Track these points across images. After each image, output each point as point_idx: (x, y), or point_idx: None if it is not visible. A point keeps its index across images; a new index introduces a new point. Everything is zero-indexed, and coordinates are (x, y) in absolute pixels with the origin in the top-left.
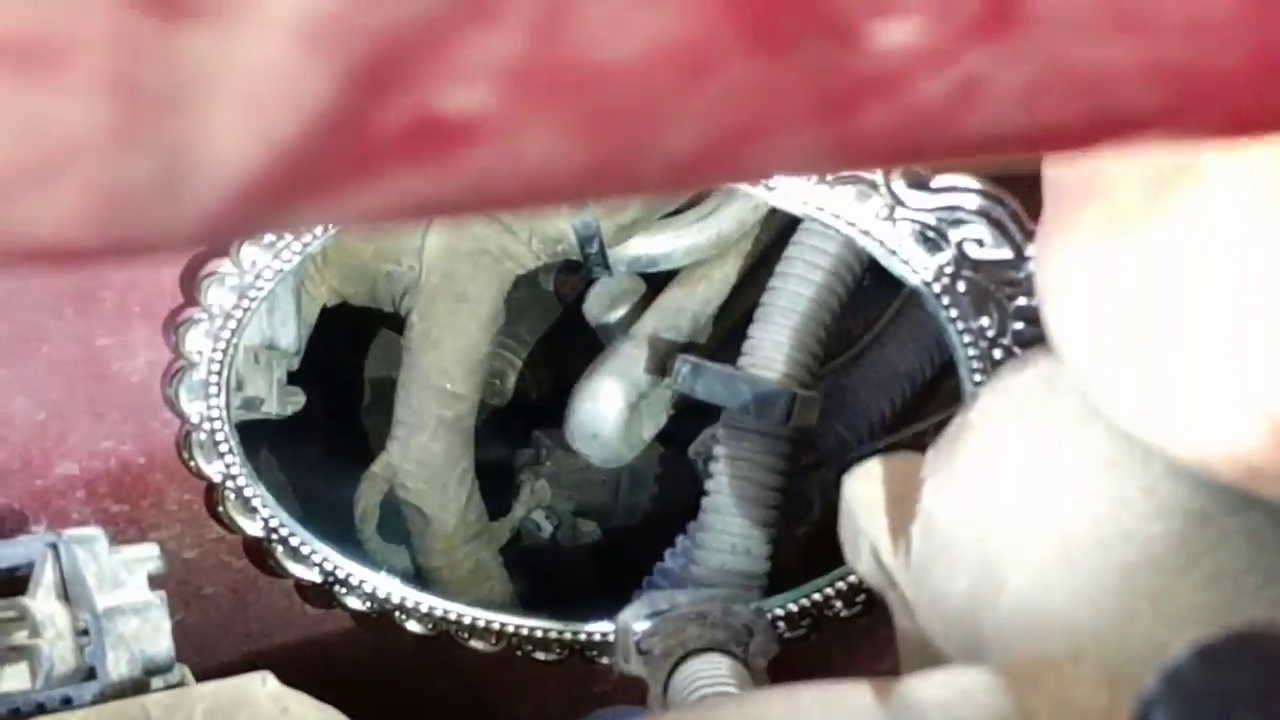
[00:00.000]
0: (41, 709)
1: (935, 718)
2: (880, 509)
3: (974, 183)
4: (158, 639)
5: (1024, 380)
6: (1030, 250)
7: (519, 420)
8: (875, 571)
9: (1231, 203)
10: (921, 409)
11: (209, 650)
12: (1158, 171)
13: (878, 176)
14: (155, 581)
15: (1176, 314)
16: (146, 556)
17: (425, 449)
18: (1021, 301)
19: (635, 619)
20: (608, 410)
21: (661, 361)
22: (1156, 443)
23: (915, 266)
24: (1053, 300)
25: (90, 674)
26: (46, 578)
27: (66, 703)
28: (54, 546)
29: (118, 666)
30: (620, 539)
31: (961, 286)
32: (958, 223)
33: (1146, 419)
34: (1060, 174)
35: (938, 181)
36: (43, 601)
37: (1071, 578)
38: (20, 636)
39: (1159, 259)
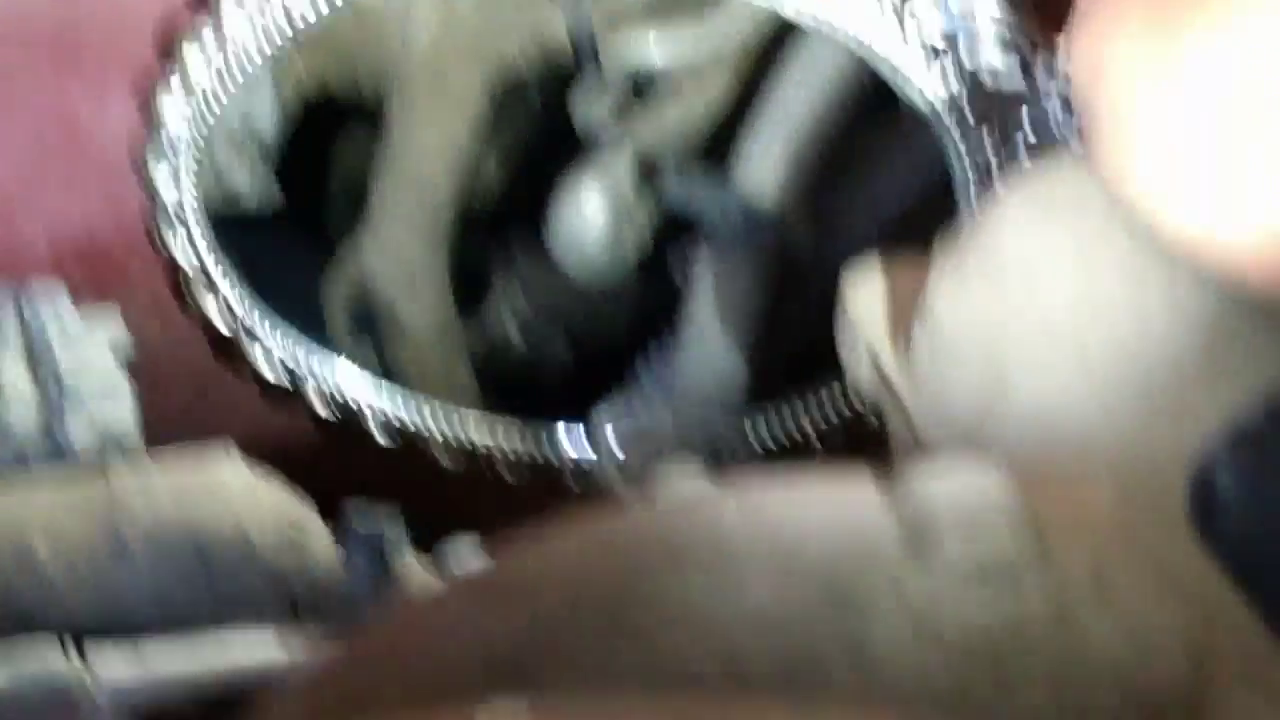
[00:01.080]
0: None
1: (943, 513)
2: (881, 311)
3: (992, 5)
4: (121, 413)
5: (1046, 183)
6: (1043, 77)
7: (495, 223)
8: (874, 379)
9: None
10: (909, 232)
11: (168, 440)
12: None
13: None
14: (121, 361)
15: (1215, 111)
16: (112, 326)
17: (399, 245)
18: (1029, 130)
19: (613, 430)
20: (590, 220)
21: (649, 174)
22: (1188, 245)
23: (923, 87)
24: (1086, 96)
25: (52, 442)
26: (10, 337)
27: (25, 468)
28: (17, 302)
29: (81, 437)
30: (593, 353)
31: (969, 111)
32: (972, 44)
33: (1181, 217)
34: None
35: (954, 2)
36: (7, 363)
37: (1086, 386)
38: None
39: (1197, 52)
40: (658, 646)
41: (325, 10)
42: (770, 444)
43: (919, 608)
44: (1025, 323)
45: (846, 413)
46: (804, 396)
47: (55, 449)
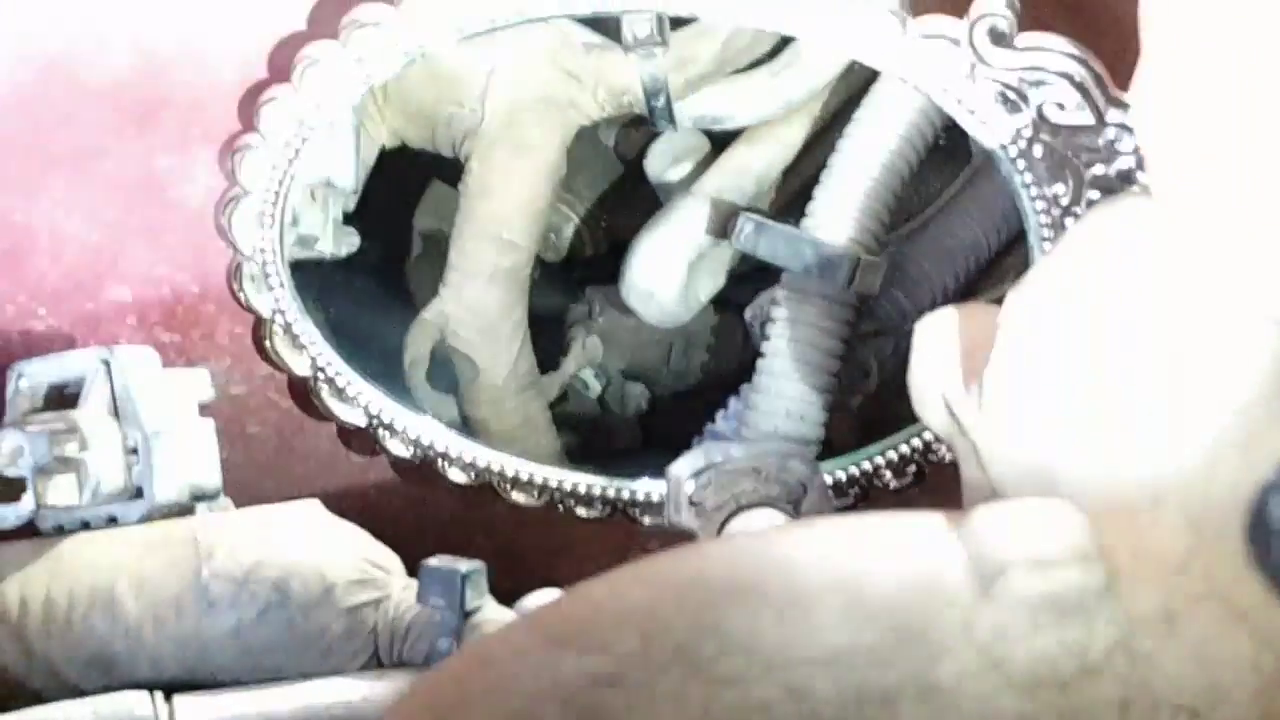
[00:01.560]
0: (86, 526)
1: (1009, 547)
2: (953, 357)
3: (1060, 43)
4: (206, 465)
5: (1113, 222)
6: (1112, 117)
7: (574, 277)
8: (944, 420)
9: None
10: (987, 282)
11: (252, 490)
12: None
13: (961, 31)
14: (204, 412)
15: None
16: (197, 381)
17: (479, 298)
18: (1099, 169)
19: (689, 470)
20: (665, 268)
21: (723, 222)
22: (1255, 280)
23: (993, 128)
24: (1151, 133)
25: (137, 494)
26: (97, 393)
27: (112, 521)
28: (106, 363)
29: (164, 489)
30: (669, 402)
31: (1038, 151)
32: (1040, 84)
33: (1247, 255)
34: (1160, 7)
35: (1022, 40)
36: (92, 416)
37: (1154, 422)
38: (69, 449)
39: (1268, 88)
40: (728, 681)
41: (399, 66)
42: (846, 487)
43: (986, 640)
44: (1092, 363)
45: (922, 456)
46: (878, 440)
47: (142, 503)
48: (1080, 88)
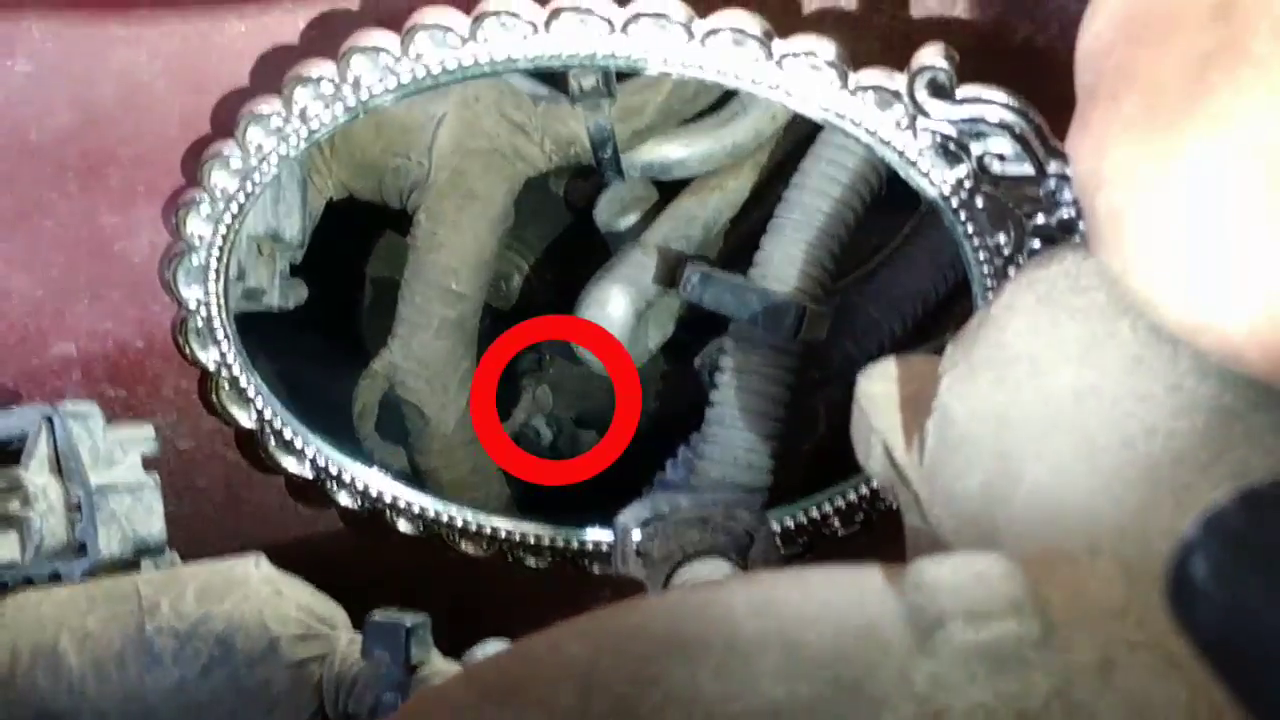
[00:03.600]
0: (30, 582)
1: (947, 599)
2: (894, 406)
3: (999, 94)
4: (150, 520)
5: (1049, 274)
6: (1053, 168)
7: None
8: (886, 469)
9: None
10: (933, 330)
11: (199, 544)
12: (1198, 54)
13: (900, 84)
14: (149, 465)
15: (1218, 200)
16: (141, 436)
17: (427, 348)
18: (1040, 219)
19: (635, 520)
20: (614, 317)
21: (670, 271)
22: (1190, 332)
23: (934, 179)
24: (1087, 188)
25: (81, 550)
26: (40, 450)
27: (55, 578)
28: (49, 419)
29: (109, 544)
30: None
31: (980, 202)
32: (980, 135)
33: (1180, 308)
34: (1094, 61)
35: (962, 92)
36: (35, 473)
37: (1091, 472)
38: (12, 507)
39: (1201, 145)
40: None
41: (343, 117)
42: (794, 535)
43: (924, 692)
44: (1032, 413)
45: (869, 504)
46: (826, 488)
47: (86, 559)
48: (1020, 139)
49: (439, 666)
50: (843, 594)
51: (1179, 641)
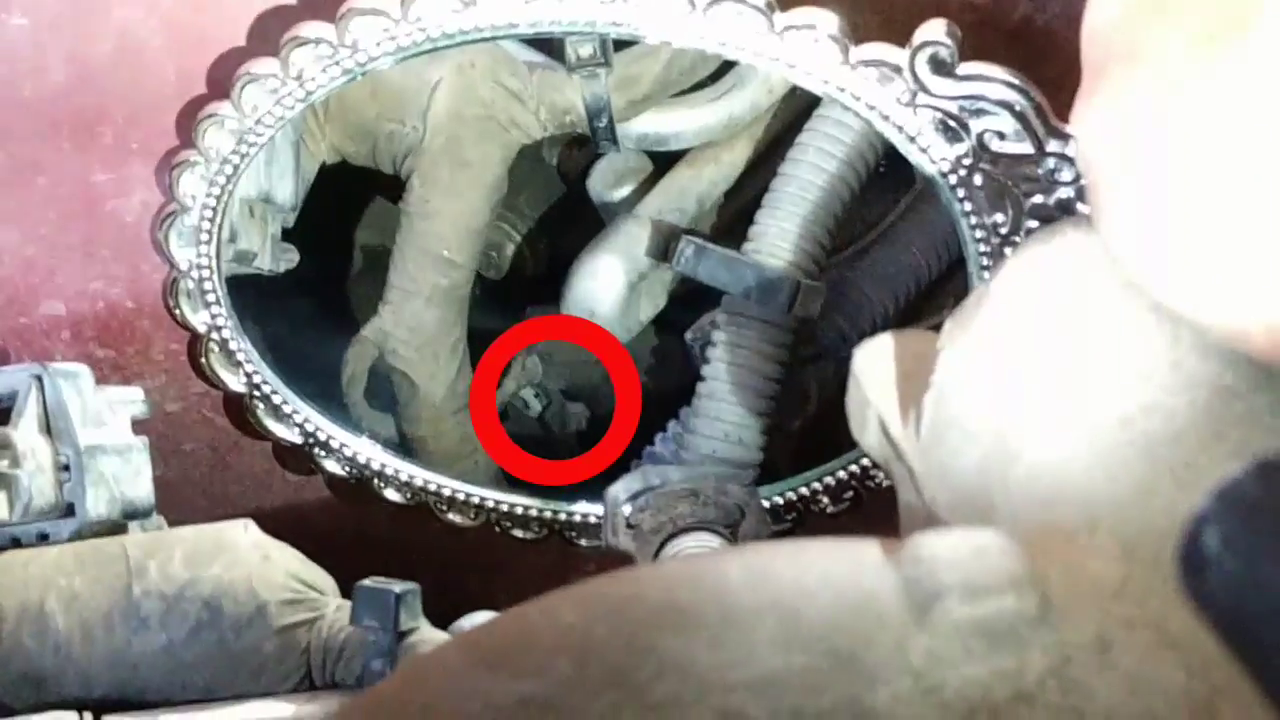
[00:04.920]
0: (17, 543)
1: (945, 573)
2: (890, 382)
3: (1001, 72)
4: (138, 482)
5: (1050, 250)
6: (1052, 147)
7: (515, 295)
8: (881, 444)
9: None
10: (927, 307)
11: (186, 509)
12: (1206, 29)
13: (902, 59)
14: (137, 428)
15: (1223, 178)
16: (131, 398)
17: (418, 316)
18: (1038, 199)
19: (626, 493)
20: (606, 288)
21: (664, 243)
22: (1192, 312)
23: (933, 156)
24: (1092, 163)
25: (69, 510)
26: (30, 409)
27: (43, 538)
28: (39, 379)
29: (97, 505)
30: (609, 423)
31: (978, 180)
32: (980, 113)
33: (1185, 286)
34: (1102, 37)
35: (963, 69)
36: (24, 432)
37: (1090, 449)
38: (1, 465)
39: (1206, 120)
40: (662, 705)
41: (340, 80)
42: (783, 511)
43: (920, 666)
44: (1030, 390)
45: (859, 481)
46: (816, 465)
47: (74, 520)
48: (1020, 117)
49: (428, 635)
50: (840, 566)
51: (1178, 620)
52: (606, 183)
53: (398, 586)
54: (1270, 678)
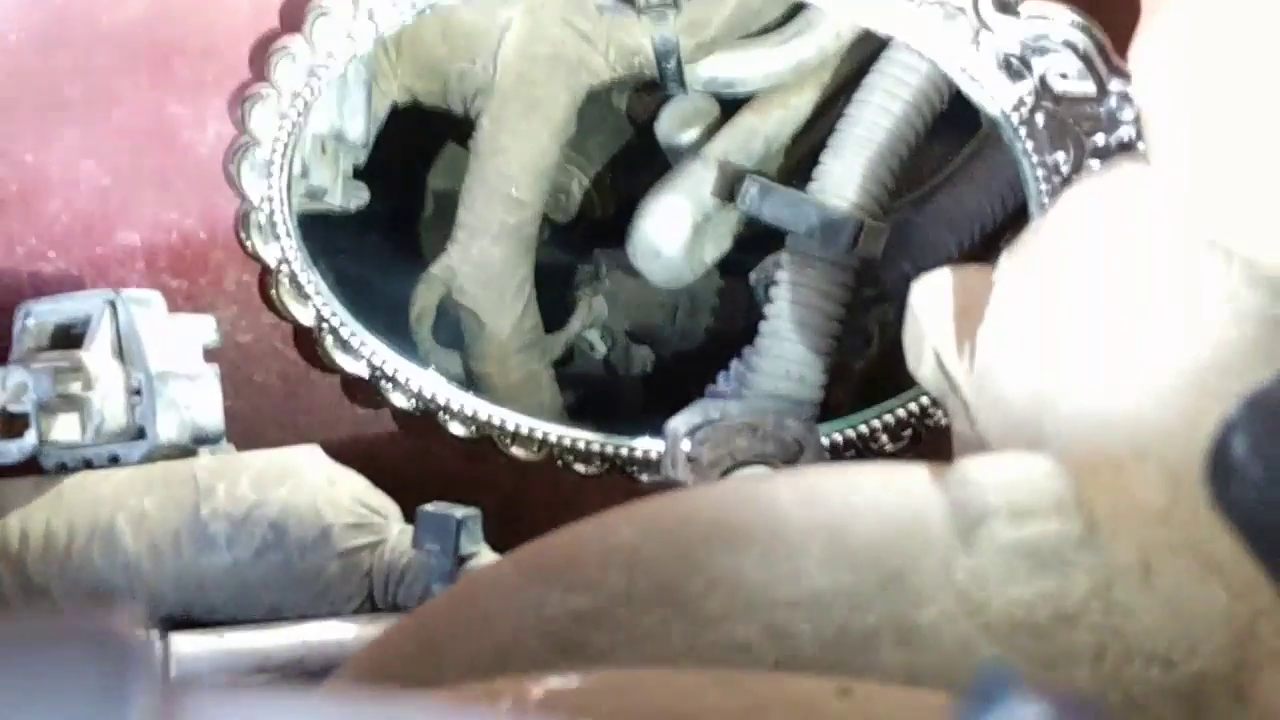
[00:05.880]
0: (89, 464)
1: (991, 496)
2: (947, 315)
3: (1064, 11)
4: (209, 408)
5: (1104, 185)
6: (1114, 86)
7: (582, 238)
8: (937, 377)
9: None
10: (992, 251)
11: (256, 439)
12: None
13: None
14: (209, 357)
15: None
16: (203, 326)
17: (486, 253)
18: (1099, 139)
19: (686, 426)
20: (672, 229)
21: (730, 185)
22: (1244, 244)
23: (996, 95)
24: (1149, 96)
25: (140, 434)
26: (103, 333)
27: (114, 460)
28: (112, 304)
29: (167, 430)
30: (673, 364)
31: (1040, 119)
32: (1043, 51)
33: (1237, 218)
34: None
35: (1027, 8)
36: (97, 356)
37: (1140, 377)
38: (74, 388)
39: (1263, 54)
40: (711, 621)
41: (410, 16)
42: (842, 449)
43: (965, 586)
44: (1082, 321)
45: (919, 420)
46: (878, 401)
47: (145, 443)
48: (1083, 57)
49: (488, 560)
50: (889, 489)
51: (1222, 544)
52: (674, 125)
53: (459, 511)
54: None
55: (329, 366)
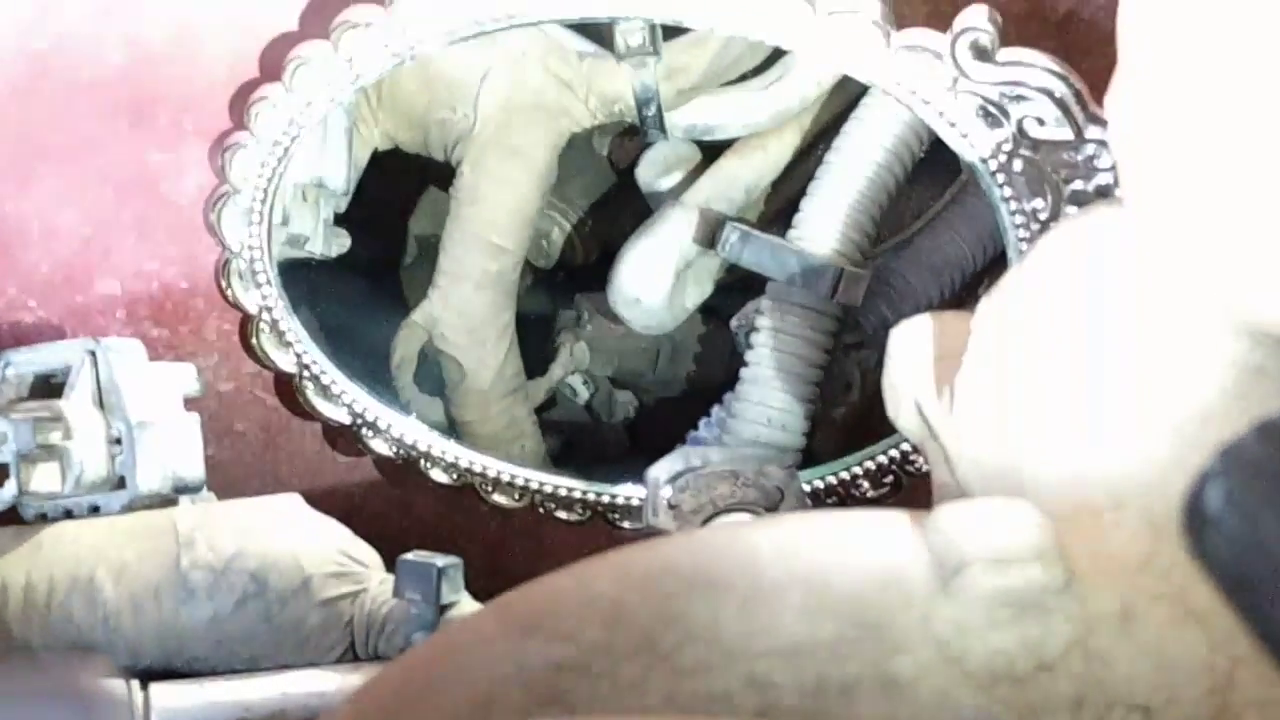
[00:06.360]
0: (69, 514)
1: (970, 544)
2: (926, 362)
3: (1041, 58)
4: (189, 457)
5: (1081, 232)
6: (1091, 133)
7: (563, 283)
8: (916, 423)
9: None
10: (972, 298)
11: (236, 488)
12: (1243, 11)
13: (943, 45)
14: (190, 406)
15: (1255, 158)
16: (184, 375)
17: (467, 301)
18: (1077, 185)
19: (667, 473)
20: (653, 275)
21: (711, 231)
22: (1221, 292)
23: (973, 142)
24: (1124, 144)
25: (120, 484)
26: (83, 383)
27: (94, 510)
28: (92, 354)
29: (148, 479)
30: (656, 410)
31: (1018, 166)
32: (1020, 99)
33: (1214, 266)
34: (1137, 19)
35: (1004, 55)
36: (77, 406)
37: (1119, 426)
38: (53, 437)
39: (1237, 103)
40: (691, 671)
41: (390, 64)
42: (824, 495)
43: (944, 635)
44: (1061, 367)
45: (899, 467)
46: (859, 448)
47: (125, 493)
48: (1060, 104)
49: (469, 609)
50: (868, 538)
51: (1201, 593)
52: (655, 171)
53: (440, 560)
54: (1268, 633)
55: (310, 414)
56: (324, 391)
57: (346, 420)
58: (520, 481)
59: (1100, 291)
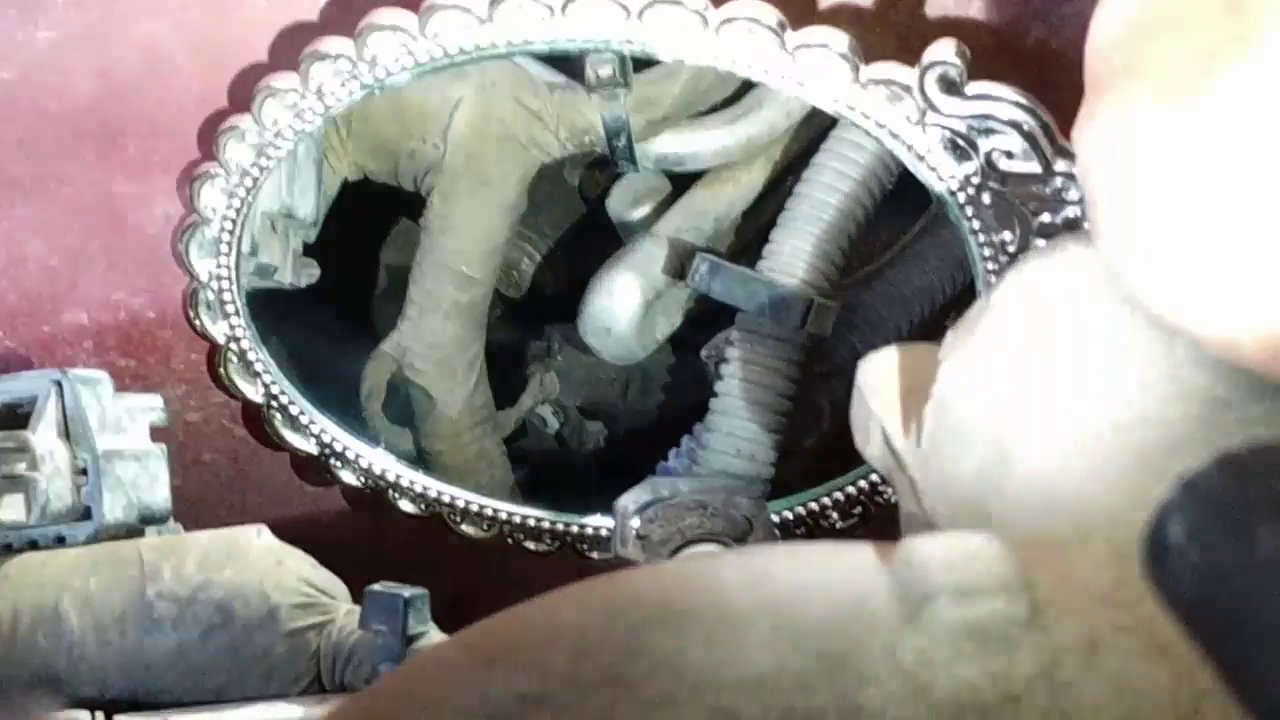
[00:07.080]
0: (34, 545)
1: (936, 575)
2: (894, 393)
3: (1009, 92)
4: (155, 488)
5: (1049, 264)
6: (1060, 166)
7: (533, 314)
8: (884, 455)
9: None
10: (941, 329)
11: (205, 519)
12: (1207, 46)
13: (911, 78)
14: (156, 436)
15: (1219, 190)
16: (150, 406)
17: (436, 331)
18: (1045, 218)
19: (635, 504)
20: (623, 306)
21: (680, 262)
22: (1187, 324)
23: (941, 174)
24: (1091, 176)
25: (86, 514)
26: (49, 413)
27: (60, 541)
28: (58, 384)
29: (114, 510)
30: (625, 440)
31: (986, 198)
32: (989, 132)
33: (1180, 298)
34: (1104, 53)
35: (972, 88)
36: (43, 436)
37: (1084, 460)
38: (19, 467)
39: (1204, 134)
40: (656, 704)
41: (359, 95)
42: (792, 526)
43: (910, 667)
44: (1027, 399)
45: (868, 497)
46: (825, 482)
47: (90, 524)
48: (1029, 137)
49: (436, 640)
50: (834, 569)
51: (1167, 625)
52: (625, 202)
53: (407, 591)
54: (1230, 669)
55: (278, 444)
56: (292, 422)
57: (314, 451)
58: (489, 512)
59: (1066, 323)
